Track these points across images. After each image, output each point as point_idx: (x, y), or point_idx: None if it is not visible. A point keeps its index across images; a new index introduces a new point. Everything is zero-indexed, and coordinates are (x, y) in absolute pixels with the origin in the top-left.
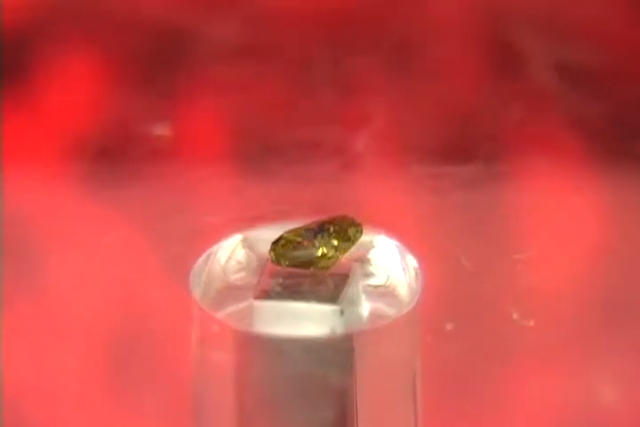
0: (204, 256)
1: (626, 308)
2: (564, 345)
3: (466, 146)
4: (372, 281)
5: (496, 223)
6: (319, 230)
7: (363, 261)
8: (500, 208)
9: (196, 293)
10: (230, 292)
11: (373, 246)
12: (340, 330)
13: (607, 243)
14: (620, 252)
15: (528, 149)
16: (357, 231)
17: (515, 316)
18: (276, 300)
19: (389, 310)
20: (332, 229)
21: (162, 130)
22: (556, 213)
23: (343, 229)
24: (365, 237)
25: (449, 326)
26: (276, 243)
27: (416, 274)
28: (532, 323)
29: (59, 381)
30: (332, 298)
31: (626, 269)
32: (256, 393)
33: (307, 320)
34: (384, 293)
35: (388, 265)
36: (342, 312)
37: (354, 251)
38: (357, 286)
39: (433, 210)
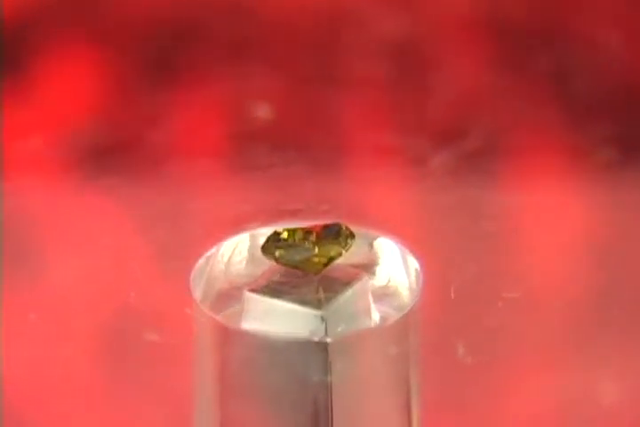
0: (205, 257)
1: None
2: (489, 389)
3: (532, 180)
4: (374, 283)
5: (507, 257)
6: (308, 233)
7: (369, 268)
8: (519, 242)
9: (197, 294)
10: (231, 293)
11: (376, 248)
12: (319, 335)
13: (599, 297)
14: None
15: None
16: (346, 238)
17: (460, 351)
18: (266, 295)
19: (391, 312)
20: (320, 233)
21: (263, 112)
22: (570, 259)
23: (332, 235)
24: (368, 240)
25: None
26: (268, 239)
27: (417, 275)
28: (469, 360)
29: (56, 375)
30: (318, 303)
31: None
32: (238, 390)
33: (289, 321)
34: (385, 294)
35: (390, 267)
36: (323, 319)
37: (360, 257)
38: (362, 296)
39: (458, 237)
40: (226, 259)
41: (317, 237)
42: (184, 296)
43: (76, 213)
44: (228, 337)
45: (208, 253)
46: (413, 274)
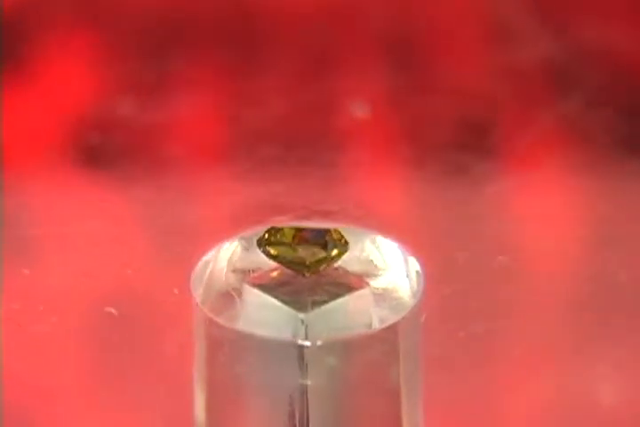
0: (205, 257)
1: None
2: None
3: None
4: (373, 284)
5: (507, 260)
6: (297, 234)
7: (369, 270)
8: (520, 243)
9: (198, 295)
10: (232, 294)
11: (376, 249)
12: (299, 338)
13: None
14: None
15: None
16: (334, 245)
17: (457, 349)
18: (260, 290)
19: (391, 315)
20: (304, 236)
21: (361, 110)
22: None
23: (316, 239)
24: (367, 240)
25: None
26: (264, 234)
27: (418, 277)
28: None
29: (54, 367)
30: (302, 305)
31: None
32: (228, 389)
33: (275, 319)
34: (385, 296)
35: (390, 268)
36: (303, 321)
37: (361, 259)
38: (361, 305)
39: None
40: (226, 260)
41: (301, 239)
42: (184, 287)
43: (75, 202)
44: (224, 337)
45: (208, 256)
46: (414, 276)
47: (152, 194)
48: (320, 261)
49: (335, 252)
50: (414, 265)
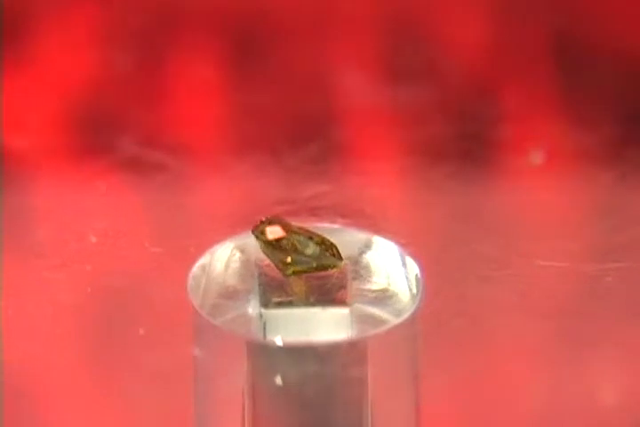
0: (202, 260)
1: None
2: None
3: None
4: (372, 286)
5: (506, 261)
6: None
7: (366, 272)
8: (520, 242)
9: (195, 299)
10: (230, 297)
11: (374, 250)
12: (259, 336)
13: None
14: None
15: None
16: (287, 252)
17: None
18: (257, 280)
19: (389, 317)
20: (284, 240)
21: (536, 158)
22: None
23: (295, 246)
24: (366, 241)
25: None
26: (259, 225)
27: (417, 280)
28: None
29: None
30: (268, 301)
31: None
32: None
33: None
34: (383, 298)
35: (388, 269)
36: (262, 316)
37: (362, 270)
38: (340, 319)
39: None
40: (224, 263)
41: (279, 239)
42: (182, 282)
43: (74, 179)
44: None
45: (205, 257)
46: (414, 279)
47: (153, 188)
48: (289, 266)
49: (314, 265)
50: (413, 268)
